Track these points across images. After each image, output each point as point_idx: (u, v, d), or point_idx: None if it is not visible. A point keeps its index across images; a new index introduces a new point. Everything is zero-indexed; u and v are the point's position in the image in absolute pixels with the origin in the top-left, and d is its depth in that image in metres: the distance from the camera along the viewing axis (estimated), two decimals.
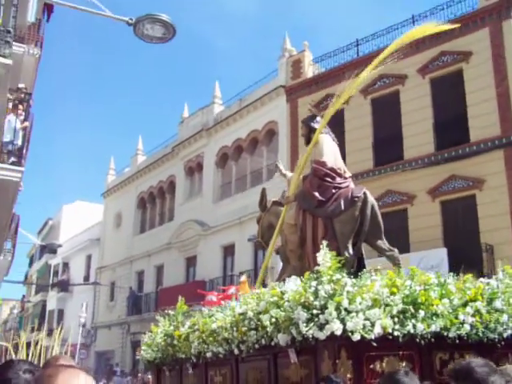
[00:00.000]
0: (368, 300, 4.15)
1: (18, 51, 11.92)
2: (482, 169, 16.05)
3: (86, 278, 36.03)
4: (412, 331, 4.25)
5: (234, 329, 5.24)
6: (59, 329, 13.90)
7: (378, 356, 4.28)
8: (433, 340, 4.41)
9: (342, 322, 4.04)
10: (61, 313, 38.47)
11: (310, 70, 22.01)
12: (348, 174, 6.20)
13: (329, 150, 6.12)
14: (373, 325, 4.09)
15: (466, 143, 16.64)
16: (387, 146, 18.56)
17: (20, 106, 12.06)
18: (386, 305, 4.27)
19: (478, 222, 15.92)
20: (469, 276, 4.97)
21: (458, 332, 4.49)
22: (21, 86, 12.52)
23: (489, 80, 16.48)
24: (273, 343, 4.71)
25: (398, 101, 18.61)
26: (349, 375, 4.13)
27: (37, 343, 13.56)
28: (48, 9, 14.49)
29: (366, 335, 4.04)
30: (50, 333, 16.54)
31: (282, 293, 4.63)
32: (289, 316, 4.39)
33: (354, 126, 19.46)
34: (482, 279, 5.06)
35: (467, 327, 4.52)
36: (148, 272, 29.78)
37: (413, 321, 4.29)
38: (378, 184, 17.88)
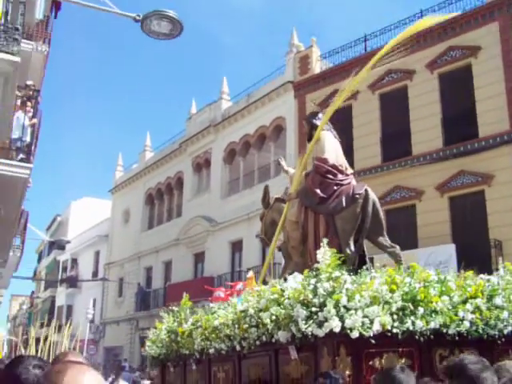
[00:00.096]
0: (367, 297, 4.14)
1: (26, 48, 11.95)
2: (491, 164, 15.94)
3: (95, 274, 36.23)
4: (411, 328, 4.25)
5: (236, 326, 5.27)
6: (68, 325, 14.07)
7: (378, 353, 4.28)
8: (432, 337, 4.40)
9: (341, 319, 4.05)
10: (70, 309, 38.76)
11: (317, 66, 21.94)
12: (350, 171, 6.19)
13: (330, 146, 6.10)
14: (371, 322, 4.09)
15: (475, 138, 16.52)
16: (395, 142, 18.47)
17: (28, 103, 12.11)
18: (385, 302, 4.26)
19: (487, 218, 15.83)
20: (469, 273, 4.95)
21: (457, 329, 4.48)
22: (29, 82, 12.56)
23: (498, 75, 16.32)
24: (273, 340, 4.72)
25: (406, 96, 18.50)
26: (348, 372, 4.14)
27: (46, 339, 13.74)
28: (56, 6, 14.55)
29: (364, 332, 4.04)
30: (58, 328, 16.67)
31: (282, 290, 4.64)
32: (288, 313, 4.40)
33: (362, 121, 19.41)
34: (482, 276, 5.03)
35: (467, 324, 4.51)
36: (156, 268, 29.90)
37: (412, 318, 4.29)
38: (386, 180, 17.85)
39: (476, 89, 16.75)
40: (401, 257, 5.90)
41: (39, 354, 12.02)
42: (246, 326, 5.05)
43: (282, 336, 4.51)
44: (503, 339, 4.73)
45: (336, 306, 4.08)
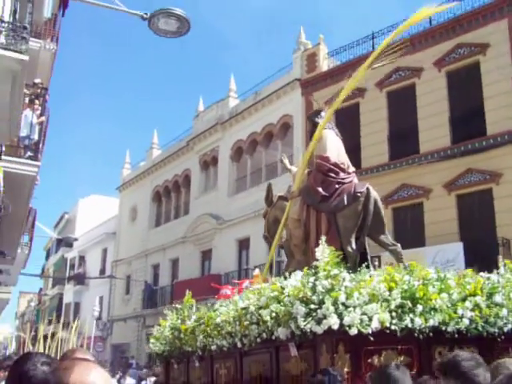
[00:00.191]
0: (365, 295, 4.15)
1: (34, 47, 12.02)
2: (499, 162, 15.84)
3: (102, 272, 36.40)
4: (410, 325, 4.25)
5: (237, 323, 5.30)
6: (76, 322, 14.19)
7: (376, 350, 4.29)
8: (431, 334, 4.40)
9: (340, 316, 4.06)
10: (77, 306, 38.98)
11: (325, 64, 21.88)
12: (351, 169, 6.19)
13: (332, 145, 6.11)
14: (370, 319, 4.10)
15: (483, 136, 16.42)
16: (403, 140, 18.41)
17: (36, 101, 12.16)
18: (384, 300, 4.27)
19: (495, 216, 15.74)
20: (469, 271, 4.94)
21: (456, 326, 4.48)
22: (37, 81, 12.62)
23: (506, 72, 16.20)
24: (274, 337, 4.75)
25: (413, 94, 18.42)
26: (346, 369, 4.15)
27: (53, 335, 13.86)
28: (63, 4, 14.61)
29: (363, 330, 4.05)
30: (66, 326, 16.79)
31: (282, 288, 4.66)
32: (288, 311, 4.42)
33: (370, 119, 19.35)
34: (482, 273, 5.02)
35: (466, 321, 4.50)
36: (163, 265, 29.99)
37: (411, 315, 4.29)
38: (393, 178, 17.79)
39: (484, 86, 16.64)
40: (402, 255, 5.90)
41: (47, 351, 12.13)
42: (247, 323, 5.08)
43: (281, 333, 4.53)
44: (503, 337, 4.73)
45: (334, 303, 4.09)
